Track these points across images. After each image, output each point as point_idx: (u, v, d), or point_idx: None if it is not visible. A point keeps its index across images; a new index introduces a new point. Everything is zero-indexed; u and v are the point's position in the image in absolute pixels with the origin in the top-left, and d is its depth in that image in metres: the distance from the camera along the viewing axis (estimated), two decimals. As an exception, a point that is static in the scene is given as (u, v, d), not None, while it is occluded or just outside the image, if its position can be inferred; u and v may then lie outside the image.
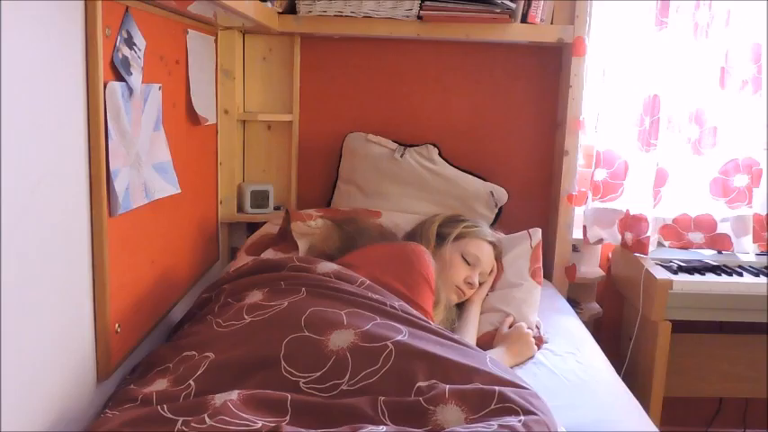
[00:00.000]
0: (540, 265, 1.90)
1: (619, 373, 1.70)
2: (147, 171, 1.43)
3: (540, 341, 1.76)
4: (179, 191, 1.61)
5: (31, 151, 1.02)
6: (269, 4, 1.96)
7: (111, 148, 1.24)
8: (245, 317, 1.27)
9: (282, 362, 1.15)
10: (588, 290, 2.40)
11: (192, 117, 1.80)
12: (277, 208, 2.30)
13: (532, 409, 1.06)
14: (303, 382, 1.12)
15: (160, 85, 1.49)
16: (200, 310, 1.44)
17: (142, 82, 1.37)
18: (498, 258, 1.89)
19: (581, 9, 2.15)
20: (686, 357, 2.30)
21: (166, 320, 1.64)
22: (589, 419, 1.37)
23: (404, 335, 1.21)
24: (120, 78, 1.27)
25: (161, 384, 1.18)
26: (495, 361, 1.22)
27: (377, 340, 1.18)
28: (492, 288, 1.85)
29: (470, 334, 1.68)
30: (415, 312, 1.33)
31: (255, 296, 1.34)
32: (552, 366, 1.62)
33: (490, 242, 1.85)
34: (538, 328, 1.81)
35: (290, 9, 2.14)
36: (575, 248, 2.34)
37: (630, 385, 1.62)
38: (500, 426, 1.00)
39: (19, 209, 0.99)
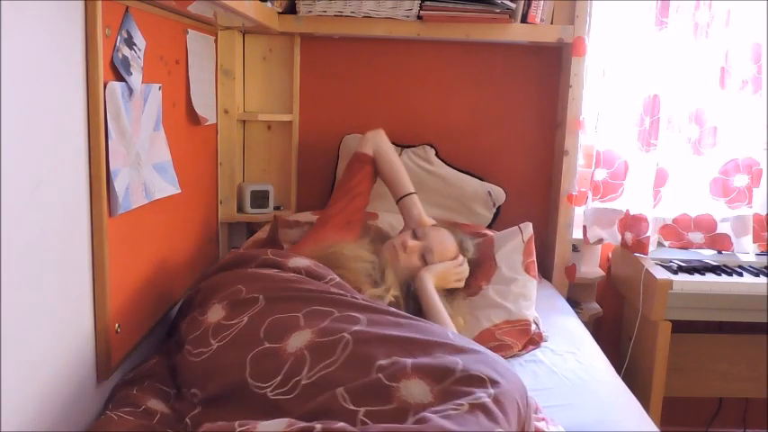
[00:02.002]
0: (534, 259, 1.89)
1: (619, 372, 1.70)
2: (147, 171, 1.43)
3: (539, 338, 1.76)
4: (179, 191, 1.61)
5: (31, 151, 1.02)
6: (269, 4, 1.96)
7: (111, 147, 1.24)
8: (212, 342, 1.26)
9: (249, 379, 1.14)
10: (588, 290, 2.40)
11: (192, 117, 1.80)
12: (277, 208, 2.30)
13: (497, 377, 1.05)
14: (269, 392, 1.12)
15: (160, 84, 1.49)
16: (188, 307, 1.46)
17: (142, 82, 1.37)
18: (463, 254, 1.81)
19: (581, 9, 2.15)
20: (686, 357, 2.31)
21: (166, 320, 1.64)
22: (589, 419, 1.37)
23: (362, 323, 1.20)
24: (120, 78, 1.27)
25: (160, 405, 1.21)
26: (458, 334, 1.21)
27: (334, 333, 1.17)
28: (487, 282, 1.85)
29: (441, 317, 1.60)
30: (376, 304, 1.32)
31: (218, 313, 1.32)
32: (552, 366, 1.62)
33: (457, 241, 1.79)
34: (537, 323, 1.81)
35: (290, 9, 2.14)
36: (575, 248, 2.34)
37: (630, 385, 1.62)
38: (470, 405, 0.98)
39: (19, 209, 0.99)
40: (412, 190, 1.87)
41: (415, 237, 1.74)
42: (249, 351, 1.19)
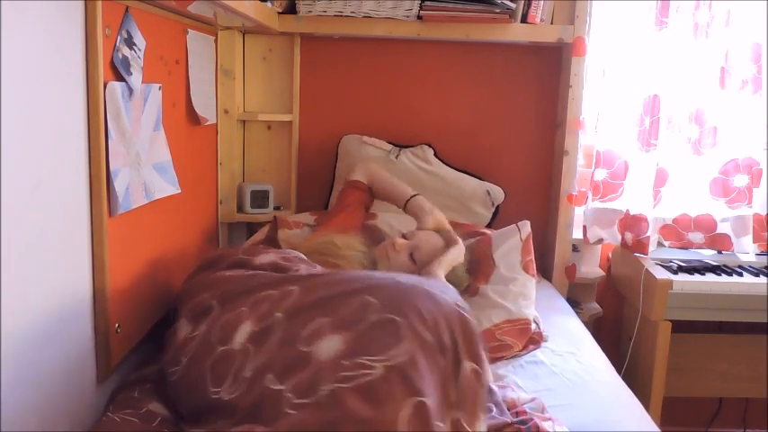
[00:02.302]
0: (532, 257, 1.89)
1: (619, 372, 1.70)
2: (147, 171, 1.43)
3: (539, 337, 1.76)
4: (179, 191, 1.61)
5: (31, 151, 1.02)
6: (269, 4, 1.96)
7: (111, 147, 1.24)
8: (182, 359, 1.23)
9: (210, 388, 1.12)
10: (588, 290, 2.40)
11: (192, 117, 1.80)
12: (277, 208, 2.30)
13: (413, 318, 1.01)
14: (223, 394, 1.09)
15: (160, 84, 1.49)
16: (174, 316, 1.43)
17: (142, 82, 1.37)
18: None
19: (581, 9, 2.15)
20: (686, 357, 2.31)
21: (166, 320, 1.64)
22: (590, 419, 1.37)
23: (294, 296, 1.17)
24: (120, 78, 1.27)
25: (161, 408, 1.20)
26: (385, 273, 1.18)
27: (268, 316, 1.15)
28: (486, 281, 1.84)
29: None
30: (314, 269, 1.31)
31: (185, 328, 1.29)
32: (552, 366, 1.62)
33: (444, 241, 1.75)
34: (537, 323, 1.81)
35: (290, 9, 2.14)
36: (575, 248, 2.34)
37: (630, 385, 1.62)
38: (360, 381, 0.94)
39: (19, 209, 0.99)
40: (414, 192, 1.87)
41: (403, 237, 1.74)
42: (207, 360, 1.16)
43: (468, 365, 1.04)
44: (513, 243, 1.89)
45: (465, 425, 1.00)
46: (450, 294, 1.12)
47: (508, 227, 1.95)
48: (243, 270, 1.36)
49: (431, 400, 0.94)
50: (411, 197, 1.85)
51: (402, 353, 0.97)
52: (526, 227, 1.92)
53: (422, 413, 0.92)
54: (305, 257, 1.46)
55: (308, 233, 1.92)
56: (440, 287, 1.12)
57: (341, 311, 1.07)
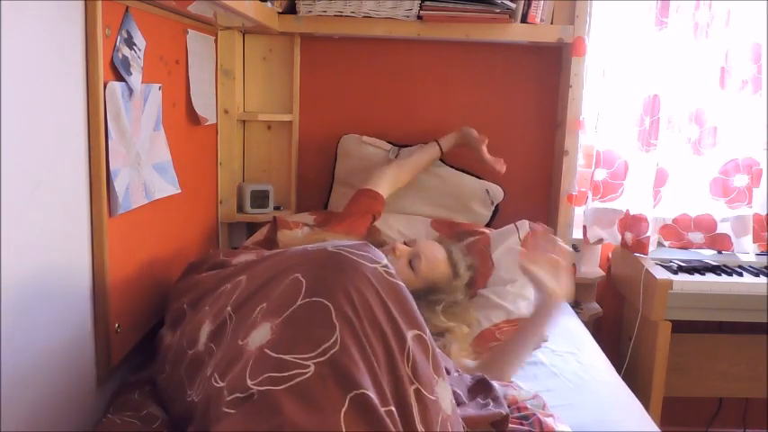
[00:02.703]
0: None
1: (619, 373, 1.70)
2: (147, 171, 1.43)
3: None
4: (179, 191, 1.61)
5: (31, 151, 1.02)
6: (269, 3, 1.96)
7: (111, 147, 1.24)
8: (166, 367, 1.22)
9: (187, 391, 1.11)
10: (588, 290, 2.40)
11: (192, 117, 1.80)
12: (277, 208, 2.30)
13: (341, 297, 0.92)
14: (193, 397, 1.08)
15: (160, 84, 1.49)
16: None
17: (142, 82, 1.37)
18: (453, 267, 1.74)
19: (581, 9, 2.15)
20: (686, 357, 2.31)
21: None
22: (590, 419, 1.37)
23: (241, 285, 1.11)
24: (120, 78, 1.27)
25: (161, 411, 1.19)
26: (321, 243, 1.06)
27: (221, 312, 1.10)
28: (484, 285, 1.84)
29: None
30: (261, 253, 1.27)
31: (167, 336, 1.29)
32: (552, 366, 1.62)
33: (447, 252, 1.70)
34: None
35: (290, 9, 2.14)
36: (575, 248, 2.34)
37: (630, 385, 1.62)
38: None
39: (19, 209, 0.99)
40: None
41: (405, 244, 1.73)
42: (182, 365, 1.14)
43: (409, 334, 0.97)
44: (511, 242, 1.89)
45: (426, 393, 0.95)
46: (378, 258, 1.02)
47: (506, 227, 1.95)
48: (219, 270, 1.32)
49: (371, 389, 0.88)
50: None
51: (333, 343, 0.89)
52: (524, 226, 1.92)
53: (365, 405, 0.86)
54: None
55: (308, 232, 1.92)
56: (365, 252, 1.01)
57: (273, 295, 0.99)
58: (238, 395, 0.87)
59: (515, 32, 2.14)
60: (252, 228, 2.30)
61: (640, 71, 2.19)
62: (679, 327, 2.12)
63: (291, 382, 0.86)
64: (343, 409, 0.85)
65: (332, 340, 0.89)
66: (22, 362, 1.02)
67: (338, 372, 0.87)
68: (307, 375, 0.86)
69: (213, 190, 2.11)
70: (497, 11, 2.08)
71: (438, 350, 1.04)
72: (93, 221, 1.22)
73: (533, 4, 2.12)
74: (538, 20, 2.14)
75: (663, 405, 2.14)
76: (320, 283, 0.95)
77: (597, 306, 2.40)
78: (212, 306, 1.16)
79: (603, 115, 2.26)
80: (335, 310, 0.92)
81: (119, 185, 1.27)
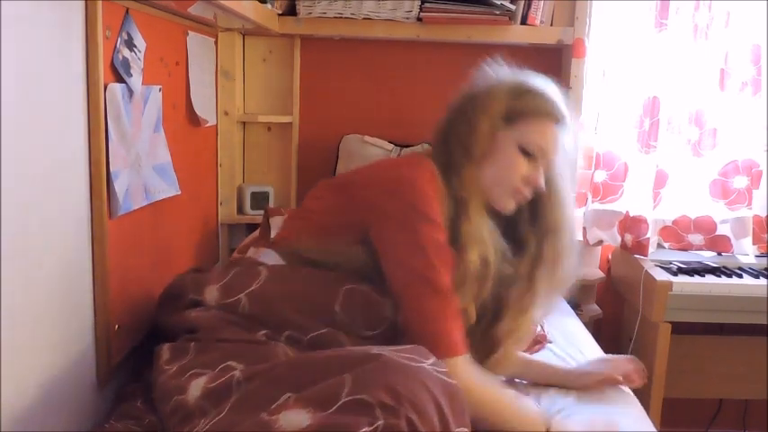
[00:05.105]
0: None
1: (619, 374, 1.70)
2: (148, 172, 1.43)
3: (543, 338, 1.76)
4: (179, 192, 1.61)
5: (31, 152, 1.02)
6: (269, 5, 1.96)
7: (112, 149, 1.24)
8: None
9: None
10: (588, 291, 2.40)
11: (192, 118, 1.80)
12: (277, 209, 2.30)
13: (389, 400, 0.91)
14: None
15: (160, 86, 1.50)
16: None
17: (142, 83, 1.38)
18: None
19: (581, 10, 2.15)
20: (686, 359, 2.30)
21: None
22: (590, 420, 1.36)
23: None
24: (120, 80, 1.28)
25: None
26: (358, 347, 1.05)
27: (225, 373, 1.07)
28: None
29: None
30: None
31: (164, 354, 1.22)
32: (552, 367, 1.62)
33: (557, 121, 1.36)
34: (540, 324, 1.80)
35: (290, 10, 2.14)
36: (574, 250, 2.34)
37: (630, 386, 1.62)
38: None
39: (19, 209, 0.99)
40: None
41: None
42: (167, 405, 1.09)
43: None
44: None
45: None
46: (428, 360, 1.01)
47: None
48: (203, 311, 1.24)
49: None
50: None
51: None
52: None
53: None
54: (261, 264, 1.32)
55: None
56: (410, 355, 1.00)
57: (305, 387, 0.98)
58: None
59: (515, 34, 2.14)
60: (252, 229, 2.29)
61: (640, 72, 2.19)
62: (679, 328, 2.12)
63: None
64: None
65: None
66: (21, 362, 1.02)
67: None
68: None
69: (213, 191, 2.11)
70: (497, 13, 2.08)
71: None
72: (93, 223, 1.22)
73: (533, 5, 2.12)
74: (538, 21, 2.14)
75: (663, 406, 2.14)
76: (363, 388, 0.93)
77: (597, 308, 2.40)
78: (210, 362, 1.11)
79: (603, 117, 2.26)
80: (378, 406, 0.91)
81: (119, 187, 1.27)
